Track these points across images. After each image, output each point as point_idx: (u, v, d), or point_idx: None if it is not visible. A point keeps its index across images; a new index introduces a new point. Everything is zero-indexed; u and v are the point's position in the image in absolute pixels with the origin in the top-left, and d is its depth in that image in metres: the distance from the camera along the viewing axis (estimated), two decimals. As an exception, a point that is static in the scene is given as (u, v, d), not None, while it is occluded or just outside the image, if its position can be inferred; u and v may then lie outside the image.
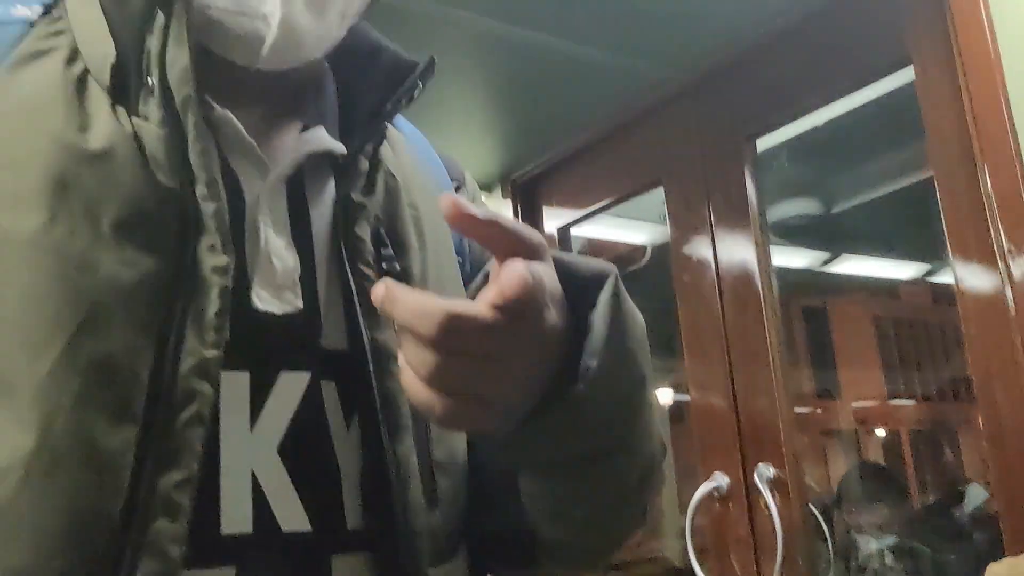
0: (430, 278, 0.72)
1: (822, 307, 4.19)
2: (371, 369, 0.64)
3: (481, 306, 0.50)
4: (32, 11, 0.64)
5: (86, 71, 0.61)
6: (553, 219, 2.58)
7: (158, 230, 0.58)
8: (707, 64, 2.06)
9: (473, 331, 0.50)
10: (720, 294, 2.06)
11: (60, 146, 0.57)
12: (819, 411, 4.24)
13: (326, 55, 0.73)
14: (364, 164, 0.70)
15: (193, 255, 0.58)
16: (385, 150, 0.73)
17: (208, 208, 0.59)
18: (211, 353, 0.56)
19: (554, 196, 2.59)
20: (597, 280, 0.58)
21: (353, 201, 0.68)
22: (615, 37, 1.95)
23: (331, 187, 0.69)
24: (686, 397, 2.22)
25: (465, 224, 0.51)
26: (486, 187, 2.72)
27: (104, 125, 0.59)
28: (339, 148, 0.69)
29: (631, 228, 2.96)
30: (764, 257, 1.99)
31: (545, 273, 0.54)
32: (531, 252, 0.53)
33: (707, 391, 2.07)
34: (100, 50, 0.62)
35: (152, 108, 0.60)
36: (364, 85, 0.74)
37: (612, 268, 0.59)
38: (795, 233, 3.27)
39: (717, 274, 2.07)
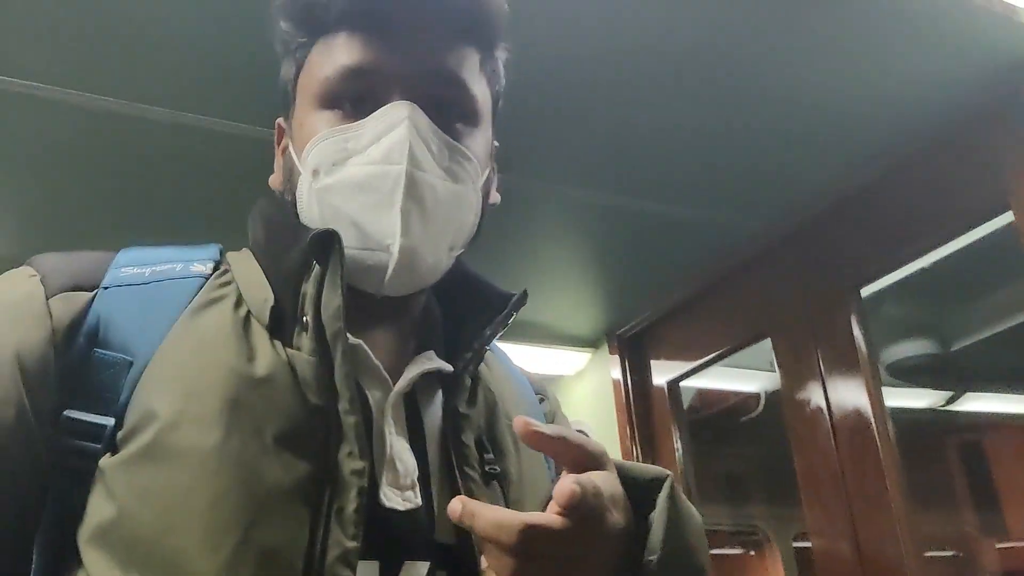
0: (525, 480, 0.83)
1: (976, 443, 3.99)
2: (478, 561, 0.71)
3: (550, 516, 0.61)
4: (206, 267, 0.80)
5: (249, 313, 0.76)
6: (661, 373, 2.60)
7: (309, 440, 0.69)
8: (805, 214, 2.10)
9: (546, 537, 0.60)
10: (835, 441, 2.02)
11: (233, 374, 0.70)
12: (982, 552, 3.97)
13: (435, 289, 0.87)
14: (468, 380, 0.83)
15: (335, 460, 0.69)
16: (484, 369, 0.87)
17: (348, 421, 0.70)
18: (351, 544, 0.66)
19: (661, 350, 2.62)
20: (656, 483, 0.73)
21: (460, 412, 0.80)
22: (709, 195, 2.01)
23: (439, 398, 0.82)
24: (808, 544, 2.16)
25: (535, 440, 0.64)
26: (592, 343, 2.78)
27: (266, 356, 0.72)
28: (447, 368, 0.81)
29: (742, 377, 2.95)
30: (877, 401, 1.96)
31: (606, 480, 0.66)
32: (594, 461, 0.67)
33: (829, 538, 2.01)
34: (260, 296, 0.77)
35: (305, 340, 0.73)
36: (465, 312, 0.86)
37: (668, 473, 0.73)
38: (914, 373, 3.18)
39: (831, 421, 2.04)
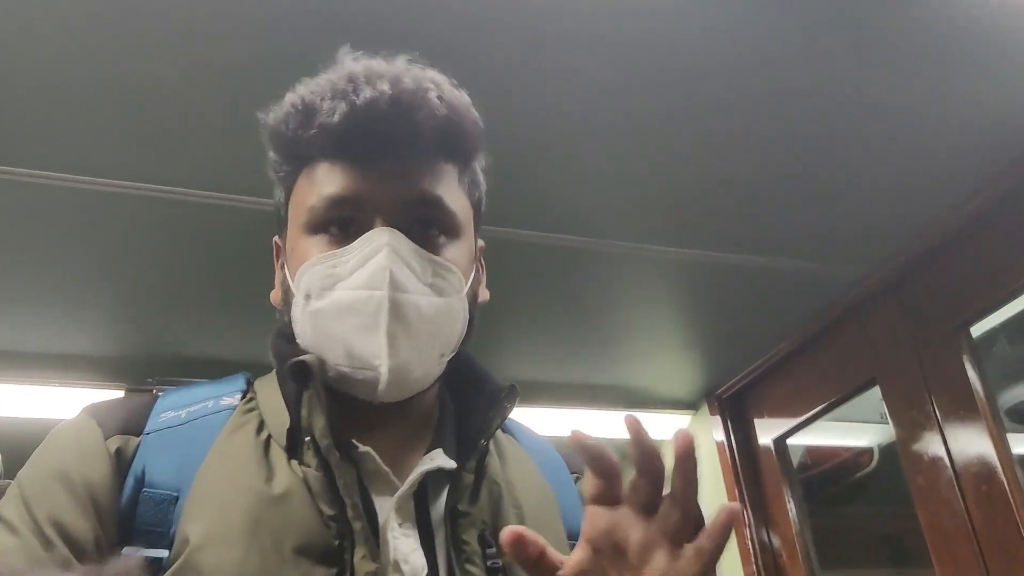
0: None
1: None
2: None
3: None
4: (234, 399, 0.88)
5: (269, 436, 0.83)
6: (766, 431, 2.52)
7: (325, 548, 0.75)
8: (906, 256, 2.03)
9: None
10: (961, 491, 1.91)
11: (253, 495, 0.77)
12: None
13: (448, 385, 0.93)
14: (469, 478, 0.85)
15: (352, 564, 0.75)
16: (492, 460, 0.90)
17: (356, 526, 0.76)
18: None
19: (764, 407, 2.54)
20: None
21: (459, 511, 0.83)
22: (804, 244, 1.97)
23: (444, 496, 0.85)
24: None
25: (515, 551, 0.66)
26: (691, 405, 2.71)
27: (283, 475, 0.79)
28: (449, 464, 0.84)
29: (851, 431, 2.83)
30: (1002, 445, 1.85)
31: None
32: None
33: (967, 602, 1.88)
34: (278, 420, 0.84)
35: (310, 457, 0.79)
36: (472, 410, 0.91)
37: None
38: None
39: (953, 469, 1.94)
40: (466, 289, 0.88)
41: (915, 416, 2.04)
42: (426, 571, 0.78)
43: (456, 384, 0.95)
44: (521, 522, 0.86)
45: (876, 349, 2.16)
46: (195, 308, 1.96)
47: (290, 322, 0.88)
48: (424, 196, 0.85)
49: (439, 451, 0.86)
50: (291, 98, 0.87)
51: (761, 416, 2.54)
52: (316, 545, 0.75)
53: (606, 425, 2.66)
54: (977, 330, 2.01)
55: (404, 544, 0.79)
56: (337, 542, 0.75)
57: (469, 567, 0.80)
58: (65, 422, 0.85)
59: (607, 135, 1.57)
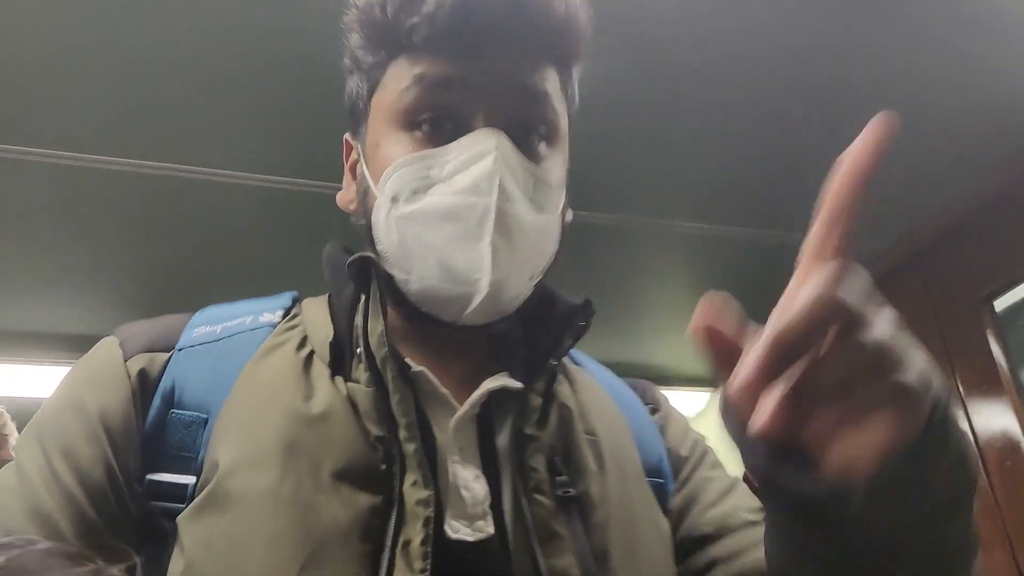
0: (611, 501, 0.75)
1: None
2: None
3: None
4: (275, 315, 0.79)
5: (311, 352, 0.74)
6: (786, 407, 2.51)
7: (370, 472, 0.67)
8: (928, 229, 2.01)
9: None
10: (985, 467, 1.90)
11: (289, 415, 0.69)
12: None
13: (517, 312, 0.83)
14: (536, 400, 0.76)
15: (400, 491, 0.66)
16: (562, 386, 0.80)
17: (409, 448, 0.67)
18: None
19: (784, 384, 2.53)
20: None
21: (525, 434, 0.74)
22: (824, 219, 1.95)
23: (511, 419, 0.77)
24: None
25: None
26: (711, 383, 2.71)
27: (323, 392, 0.71)
28: (514, 385, 0.75)
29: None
30: (1027, 420, 1.84)
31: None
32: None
33: (990, 578, 1.88)
34: (322, 334, 0.75)
35: (361, 372, 0.71)
36: (542, 331, 0.82)
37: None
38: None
39: (978, 446, 1.92)
40: (561, 207, 0.80)
41: (937, 391, 2.02)
42: (489, 500, 0.70)
43: (524, 308, 0.84)
44: (595, 450, 0.78)
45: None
46: (217, 290, 1.97)
47: (370, 228, 0.78)
48: (531, 91, 0.77)
49: (504, 374, 0.77)
50: None
51: (781, 393, 2.53)
52: (359, 469, 0.67)
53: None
54: (1001, 304, 1.99)
55: (465, 471, 0.71)
56: (384, 466, 0.67)
57: (537, 496, 0.71)
58: (92, 348, 0.78)
59: (637, 110, 1.56)
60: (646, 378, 2.66)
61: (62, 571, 0.34)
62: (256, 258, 1.85)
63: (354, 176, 0.83)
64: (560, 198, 0.79)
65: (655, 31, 1.38)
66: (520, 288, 0.77)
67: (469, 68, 0.75)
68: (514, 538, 0.70)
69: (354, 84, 0.84)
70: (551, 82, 0.79)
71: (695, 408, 2.77)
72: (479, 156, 0.73)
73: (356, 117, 0.84)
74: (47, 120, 1.44)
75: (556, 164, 0.79)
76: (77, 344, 2.09)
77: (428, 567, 0.64)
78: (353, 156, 0.84)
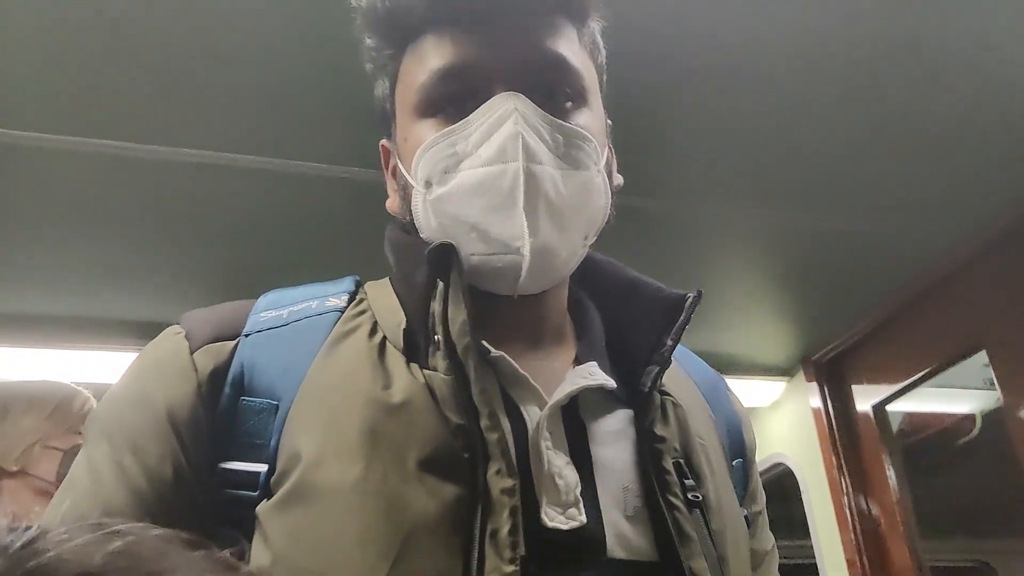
0: (723, 506, 0.75)
1: None
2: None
3: None
4: (341, 300, 0.79)
5: (384, 339, 0.74)
6: (865, 397, 2.46)
7: (453, 462, 0.66)
8: (1015, 213, 1.94)
9: None
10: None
11: (370, 404, 0.68)
12: None
13: (591, 295, 0.84)
14: (658, 398, 0.76)
15: (484, 480, 0.65)
16: (667, 379, 0.79)
17: (491, 437, 0.66)
18: (509, 568, 0.62)
19: (862, 373, 2.48)
20: None
21: (655, 435, 0.74)
22: (905, 205, 1.90)
23: (619, 415, 0.76)
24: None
25: None
26: (786, 371, 2.67)
27: (402, 380, 0.70)
28: (610, 384, 0.74)
29: (952, 398, 2.75)
30: (1122, 414, 1.78)
31: None
32: None
33: (1081, 573, 1.82)
34: (394, 320, 0.75)
35: (439, 360, 0.70)
36: (631, 320, 0.81)
37: None
38: None
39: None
40: (602, 162, 0.78)
41: (1024, 381, 1.97)
42: (579, 487, 0.69)
43: (602, 292, 0.85)
44: (705, 454, 0.77)
45: (983, 313, 2.08)
46: (278, 277, 2.00)
47: (412, 220, 0.79)
48: (547, 55, 0.76)
49: (594, 365, 0.76)
50: None
51: (860, 382, 2.49)
52: (442, 458, 0.66)
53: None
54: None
55: (557, 457, 0.70)
56: (467, 455, 0.66)
57: (671, 499, 0.70)
58: (156, 338, 0.79)
59: (701, 95, 1.54)
60: (720, 366, 2.65)
61: (177, 556, 0.35)
62: (323, 249, 1.87)
63: (395, 178, 0.83)
64: (599, 153, 0.77)
65: (724, 7, 1.36)
66: (572, 249, 0.76)
67: (478, 46, 0.74)
68: (625, 526, 0.70)
69: (379, 86, 0.85)
70: (566, 40, 0.78)
71: (770, 398, 2.73)
72: (500, 121, 0.72)
73: (386, 119, 0.85)
74: (128, 112, 1.48)
75: (588, 119, 0.78)
76: (159, 332, 2.16)
77: (518, 556, 0.63)
78: (391, 161, 0.84)
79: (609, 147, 0.84)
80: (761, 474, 2.90)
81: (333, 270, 1.89)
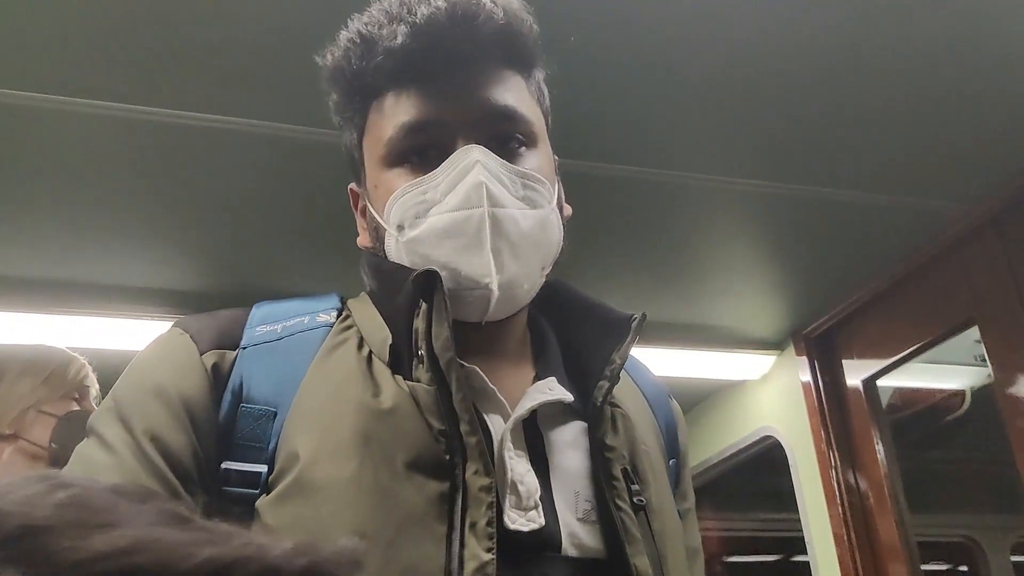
0: (663, 507, 0.85)
1: None
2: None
3: None
4: (330, 316, 0.87)
5: (371, 352, 0.82)
6: (855, 372, 2.46)
7: (437, 462, 0.75)
8: (1010, 189, 1.93)
9: None
10: (1065, 438, 1.84)
11: (362, 409, 0.76)
12: None
13: (548, 314, 0.94)
14: (609, 411, 0.85)
15: (464, 479, 0.74)
16: (615, 390, 0.87)
17: (471, 441, 0.75)
18: (487, 556, 0.71)
19: (853, 347, 2.47)
20: None
21: (606, 444, 0.82)
22: (899, 178, 1.89)
23: (573, 426, 0.85)
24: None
25: None
26: (777, 345, 2.66)
27: (390, 389, 0.78)
28: (568, 398, 0.83)
29: (941, 374, 2.75)
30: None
31: None
32: None
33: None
34: (379, 336, 0.83)
35: (422, 372, 0.78)
36: (586, 339, 0.89)
37: None
38: None
39: (1057, 416, 1.86)
40: (555, 200, 0.87)
41: (1016, 358, 1.96)
42: (539, 492, 0.77)
43: (558, 313, 0.94)
44: (648, 460, 0.86)
45: (976, 288, 2.07)
46: (283, 244, 1.98)
47: (385, 258, 0.87)
48: (500, 108, 0.84)
49: (553, 380, 0.85)
50: (346, 34, 0.87)
51: (850, 357, 2.48)
52: (427, 459, 0.74)
53: (689, 365, 2.63)
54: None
55: (519, 465, 0.78)
56: (448, 456, 0.75)
57: (620, 503, 0.79)
58: (158, 337, 0.85)
59: (696, 64, 1.52)
60: (710, 340, 2.65)
61: (127, 508, 0.34)
62: (316, 215, 1.85)
63: (364, 218, 0.91)
64: (551, 192, 0.86)
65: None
66: (532, 281, 0.84)
67: (438, 102, 0.83)
68: (578, 528, 0.78)
69: (346, 137, 0.93)
70: (516, 90, 0.87)
71: (760, 371, 2.73)
72: (465, 171, 0.80)
73: (355, 166, 0.93)
74: (144, 76, 1.45)
75: (539, 162, 0.86)
76: (158, 298, 2.14)
77: (494, 545, 0.71)
78: (361, 203, 0.92)
79: (558, 180, 0.92)
80: (749, 447, 2.92)
81: (325, 237, 1.88)
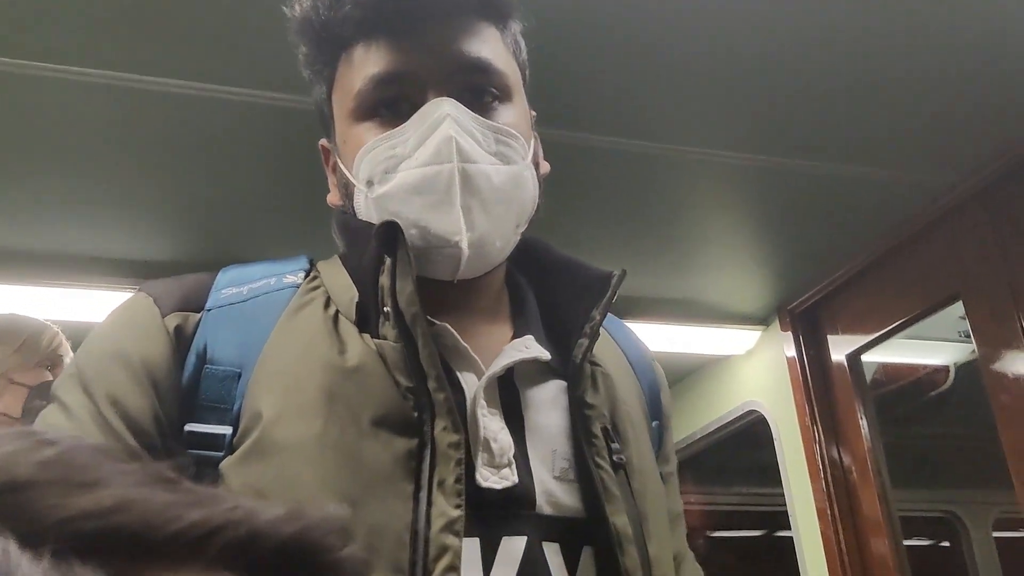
0: (645, 467, 0.84)
1: None
2: (616, 548, 0.75)
3: None
4: (297, 276, 0.85)
5: (337, 312, 0.81)
6: (839, 347, 2.45)
7: (404, 420, 0.73)
8: (997, 163, 1.91)
9: None
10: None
11: (327, 367, 0.75)
12: None
13: (527, 273, 0.92)
14: (589, 368, 0.84)
15: (432, 436, 0.73)
16: (595, 349, 0.86)
17: (439, 397, 0.73)
18: (455, 513, 0.70)
19: (838, 322, 2.47)
20: None
21: (586, 402, 0.81)
22: (886, 151, 1.87)
23: (551, 385, 0.84)
24: (1021, 534, 1.97)
25: None
26: (762, 320, 2.65)
27: (356, 347, 0.77)
28: (545, 356, 0.82)
29: (926, 349, 2.75)
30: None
31: None
32: None
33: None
34: (346, 295, 0.82)
35: (388, 329, 0.77)
36: (563, 297, 0.88)
37: None
38: None
39: (1041, 392, 1.86)
40: (530, 155, 0.85)
41: (1000, 332, 1.96)
42: (512, 450, 0.76)
43: (537, 272, 0.92)
44: (629, 419, 0.85)
45: (961, 263, 2.06)
46: (259, 214, 1.95)
47: (355, 215, 0.85)
48: (473, 60, 0.82)
49: (531, 339, 0.83)
50: None
51: (835, 332, 2.47)
52: (394, 416, 0.73)
53: (674, 340, 2.62)
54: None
55: (492, 423, 0.77)
56: (416, 414, 0.74)
57: (599, 461, 0.78)
58: (122, 303, 0.84)
59: (682, 35, 1.49)
60: (696, 316, 2.63)
61: (112, 467, 0.33)
62: (293, 181, 1.82)
63: (335, 174, 0.90)
64: (526, 147, 0.84)
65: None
66: (506, 238, 0.82)
67: (408, 53, 0.81)
68: (555, 486, 0.78)
69: (315, 91, 0.91)
70: (491, 42, 0.85)
71: (745, 346, 2.72)
72: (435, 125, 0.78)
73: (325, 121, 0.91)
74: (109, 40, 1.41)
75: (514, 116, 0.84)
76: (130, 269, 2.11)
77: (463, 503, 0.70)
78: (331, 159, 0.91)
79: (535, 136, 0.89)
80: (734, 422, 2.92)
81: (301, 207, 1.85)
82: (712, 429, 2.86)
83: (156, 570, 0.30)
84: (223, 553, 0.31)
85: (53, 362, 1.64)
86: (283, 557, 0.33)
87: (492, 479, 0.75)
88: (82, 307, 2.14)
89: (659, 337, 2.56)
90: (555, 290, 0.90)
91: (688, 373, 2.96)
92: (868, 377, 2.49)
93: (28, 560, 0.27)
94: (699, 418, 2.90)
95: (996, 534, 3.13)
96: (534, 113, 0.92)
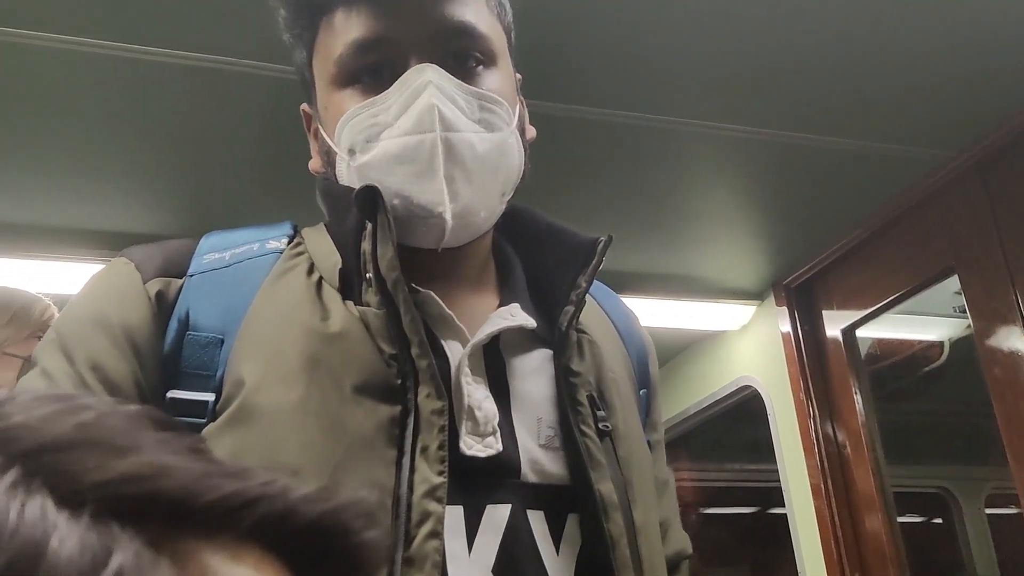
0: (630, 434, 0.84)
1: None
2: (601, 514, 0.75)
3: None
4: (280, 243, 0.84)
5: (321, 278, 0.80)
6: (834, 322, 2.45)
7: (387, 386, 0.73)
8: (993, 138, 1.90)
9: None
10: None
11: (309, 333, 0.74)
12: None
13: (514, 241, 0.91)
14: (575, 336, 0.83)
15: (416, 402, 0.72)
16: (582, 317, 0.85)
17: (422, 364, 0.73)
18: (438, 480, 0.70)
19: (833, 297, 2.46)
20: None
21: (572, 370, 0.81)
22: (882, 124, 1.85)
23: (538, 354, 0.83)
24: (1013, 511, 1.96)
25: None
26: (757, 295, 2.64)
27: (339, 314, 0.76)
28: (530, 324, 0.81)
29: (920, 324, 2.74)
30: (1092, 340, 1.76)
31: None
32: None
33: (1043, 498, 1.82)
34: (330, 261, 0.81)
35: (371, 296, 0.76)
36: (550, 264, 0.87)
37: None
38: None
39: (1035, 365, 1.85)
40: (515, 121, 0.83)
41: (995, 306, 1.95)
42: (497, 419, 0.76)
43: (524, 240, 0.91)
44: (616, 387, 0.85)
45: (956, 237, 2.05)
46: (246, 184, 1.93)
47: (336, 181, 0.84)
48: (456, 25, 0.80)
49: (516, 307, 0.83)
50: None
51: (830, 307, 2.47)
52: (377, 383, 0.73)
53: (669, 315, 2.61)
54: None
55: (477, 391, 0.77)
56: (399, 381, 0.73)
57: (584, 428, 0.78)
58: (103, 268, 0.83)
59: (681, 8, 1.47)
60: (691, 290, 2.61)
61: (147, 435, 0.33)
62: (279, 152, 1.79)
63: (317, 140, 0.88)
64: (511, 113, 0.82)
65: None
66: (491, 207, 0.81)
67: (390, 18, 0.79)
68: (540, 454, 0.77)
69: (296, 55, 0.89)
70: (473, 5, 0.82)
71: (740, 321, 2.71)
72: (417, 92, 0.76)
73: (306, 86, 0.89)
74: (94, 9, 1.39)
75: (499, 82, 0.83)
76: (118, 241, 2.07)
77: (446, 469, 0.70)
78: (313, 125, 0.89)
79: (520, 101, 0.88)
80: (728, 397, 2.92)
81: (287, 176, 1.83)
82: (706, 405, 2.86)
83: (192, 538, 0.30)
84: (257, 526, 0.32)
85: (45, 333, 1.63)
86: (313, 535, 0.34)
87: (476, 447, 0.74)
88: (70, 279, 2.12)
89: (653, 312, 2.55)
90: (542, 257, 0.89)
91: (682, 348, 2.95)
92: (863, 352, 2.49)
93: (66, 520, 0.27)
94: (693, 394, 2.90)
95: (988, 510, 3.14)
96: (520, 76, 0.90)
